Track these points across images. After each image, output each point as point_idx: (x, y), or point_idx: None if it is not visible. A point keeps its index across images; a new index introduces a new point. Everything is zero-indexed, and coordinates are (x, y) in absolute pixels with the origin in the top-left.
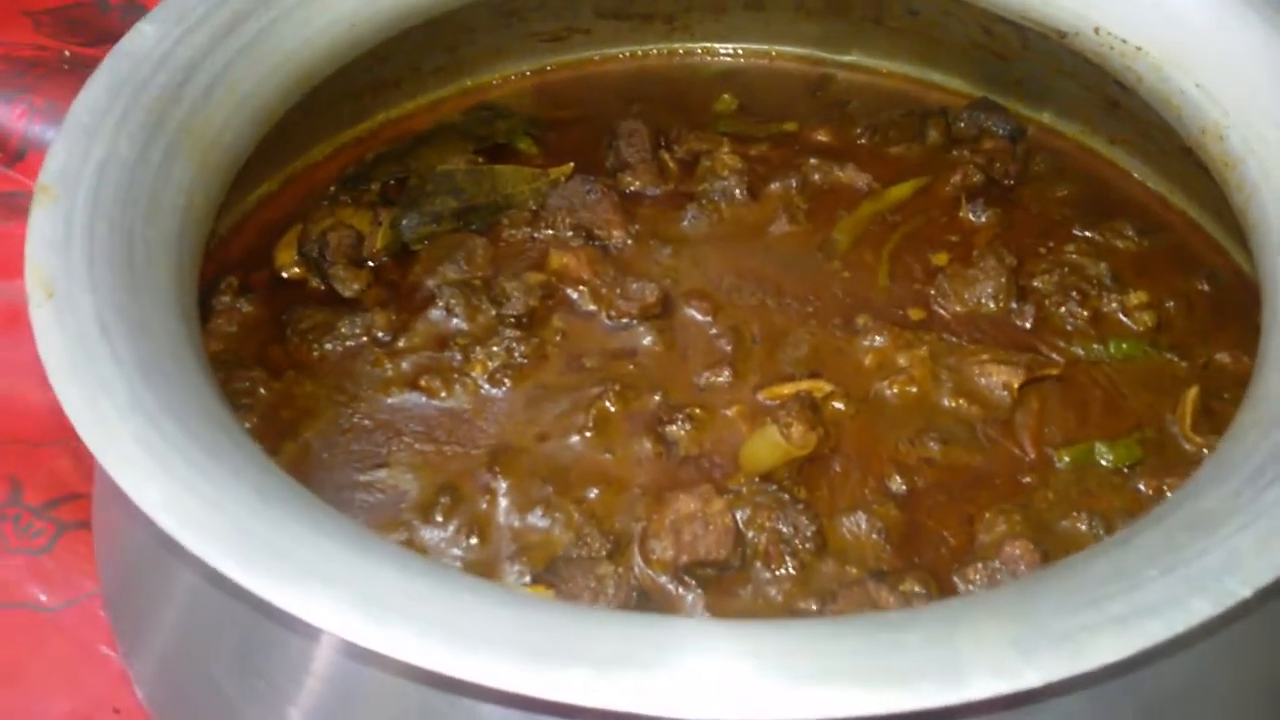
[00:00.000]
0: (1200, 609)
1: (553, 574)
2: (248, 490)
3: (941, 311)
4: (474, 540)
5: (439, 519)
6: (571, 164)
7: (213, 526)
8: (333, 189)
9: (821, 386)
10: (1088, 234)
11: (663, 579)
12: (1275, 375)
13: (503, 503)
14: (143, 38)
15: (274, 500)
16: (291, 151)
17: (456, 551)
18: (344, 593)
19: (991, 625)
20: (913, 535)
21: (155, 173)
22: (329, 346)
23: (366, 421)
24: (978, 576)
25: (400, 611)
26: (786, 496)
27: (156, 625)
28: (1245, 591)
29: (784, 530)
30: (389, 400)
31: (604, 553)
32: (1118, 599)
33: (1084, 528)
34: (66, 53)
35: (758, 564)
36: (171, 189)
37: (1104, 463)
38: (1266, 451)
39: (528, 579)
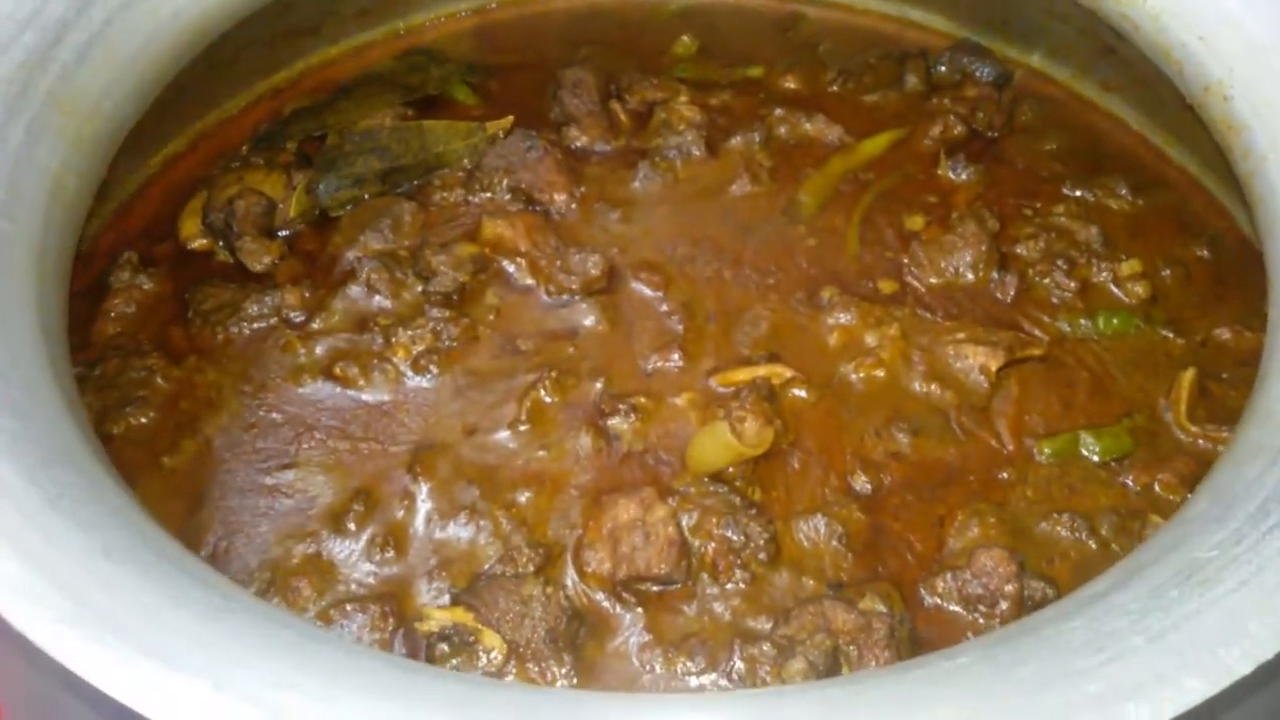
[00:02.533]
0: (1193, 689)
1: (473, 595)
2: (91, 551)
3: (915, 283)
4: (389, 553)
5: (351, 528)
6: (511, 117)
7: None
8: (244, 149)
9: (780, 372)
10: (1078, 193)
11: (598, 595)
12: None
13: (423, 509)
14: None
15: (122, 559)
16: (200, 106)
17: (368, 566)
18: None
19: (950, 709)
20: (876, 541)
21: (14, 156)
22: (234, 329)
23: (275, 415)
24: (946, 589)
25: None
26: (738, 499)
27: None
28: (1245, 668)
29: (734, 539)
30: (300, 390)
31: (532, 568)
32: (1095, 674)
33: (1065, 532)
34: None
35: (704, 577)
36: (35, 173)
37: (1090, 455)
38: (1272, 485)
39: (445, 599)
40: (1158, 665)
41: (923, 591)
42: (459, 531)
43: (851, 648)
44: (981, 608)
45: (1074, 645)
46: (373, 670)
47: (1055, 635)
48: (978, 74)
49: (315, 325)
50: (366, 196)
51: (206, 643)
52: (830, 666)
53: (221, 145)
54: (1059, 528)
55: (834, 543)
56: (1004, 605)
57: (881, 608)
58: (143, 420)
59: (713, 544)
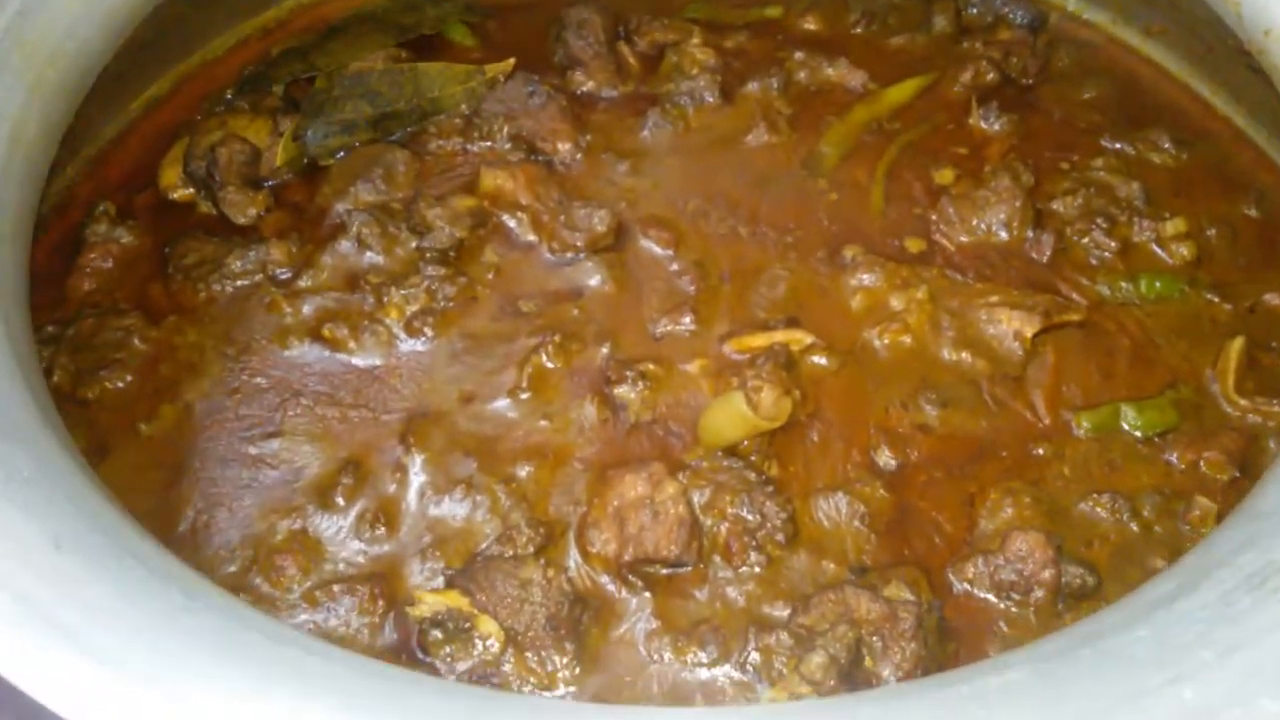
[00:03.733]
0: (1271, 714)
1: (469, 578)
2: (39, 540)
3: (944, 242)
4: (380, 530)
5: (339, 502)
6: (512, 60)
7: None
8: (229, 93)
9: (799, 338)
10: (1117, 146)
11: (603, 578)
12: None
13: (416, 482)
14: None
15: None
16: (183, 47)
17: (357, 544)
18: None
19: None
20: (902, 521)
21: None
22: (217, 286)
23: (259, 379)
24: (978, 574)
25: None
26: (753, 475)
27: None
28: None
29: (749, 518)
30: (286, 353)
31: (532, 548)
32: (1162, 693)
33: (1105, 513)
34: None
35: (717, 559)
36: None
37: (1131, 430)
38: None
39: (439, 581)
40: (1231, 685)
41: (952, 576)
42: (454, 507)
43: (875, 639)
44: (1015, 595)
45: (1138, 659)
46: (346, 679)
47: (1118, 648)
48: (1011, 16)
49: (302, 283)
50: (357, 144)
51: (161, 647)
52: (853, 660)
53: (206, 88)
54: (1099, 508)
55: (856, 523)
56: (1039, 593)
57: (908, 595)
58: (119, 384)
59: (726, 524)
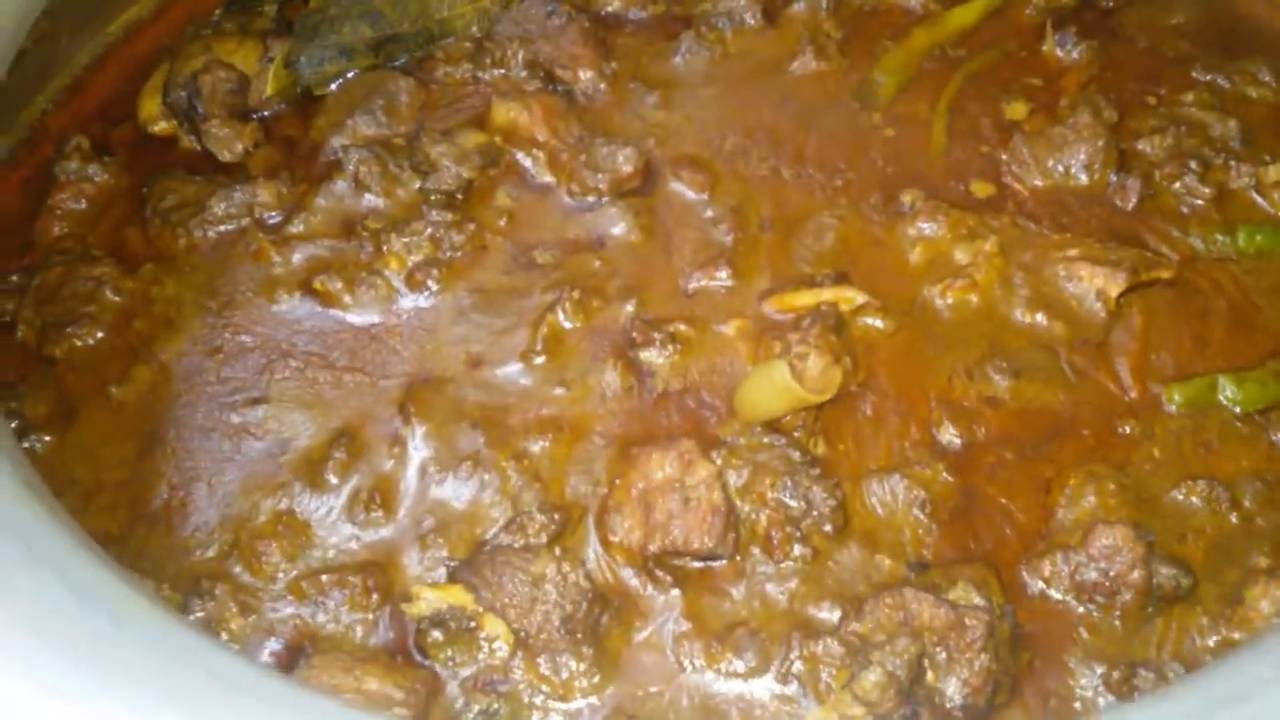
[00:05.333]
0: None
1: (474, 571)
2: None
3: (1016, 186)
4: (375, 512)
5: (331, 480)
6: None
7: None
8: (217, 14)
9: (850, 297)
10: (1210, 78)
11: (626, 572)
12: None
13: (416, 457)
14: None
15: None
16: None
17: (350, 528)
18: None
19: None
20: (968, 509)
21: None
22: (199, 232)
23: (244, 338)
24: (1055, 574)
25: None
26: (797, 455)
27: None
28: None
29: (792, 505)
30: (274, 308)
31: (545, 537)
32: None
33: (1199, 502)
34: None
35: (756, 551)
36: None
37: (1230, 405)
38: None
39: (441, 573)
40: None
41: (1025, 575)
42: (459, 488)
43: (939, 650)
44: (1099, 598)
45: None
46: None
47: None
48: None
49: (293, 228)
50: (356, 71)
51: (67, 692)
52: (914, 677)
53: (193, 9)
54: (1193, 497)
55: (915, 511)
56: (1126, 595)
57: (976, 599)
58: (90, 341)
59: (766, 511)
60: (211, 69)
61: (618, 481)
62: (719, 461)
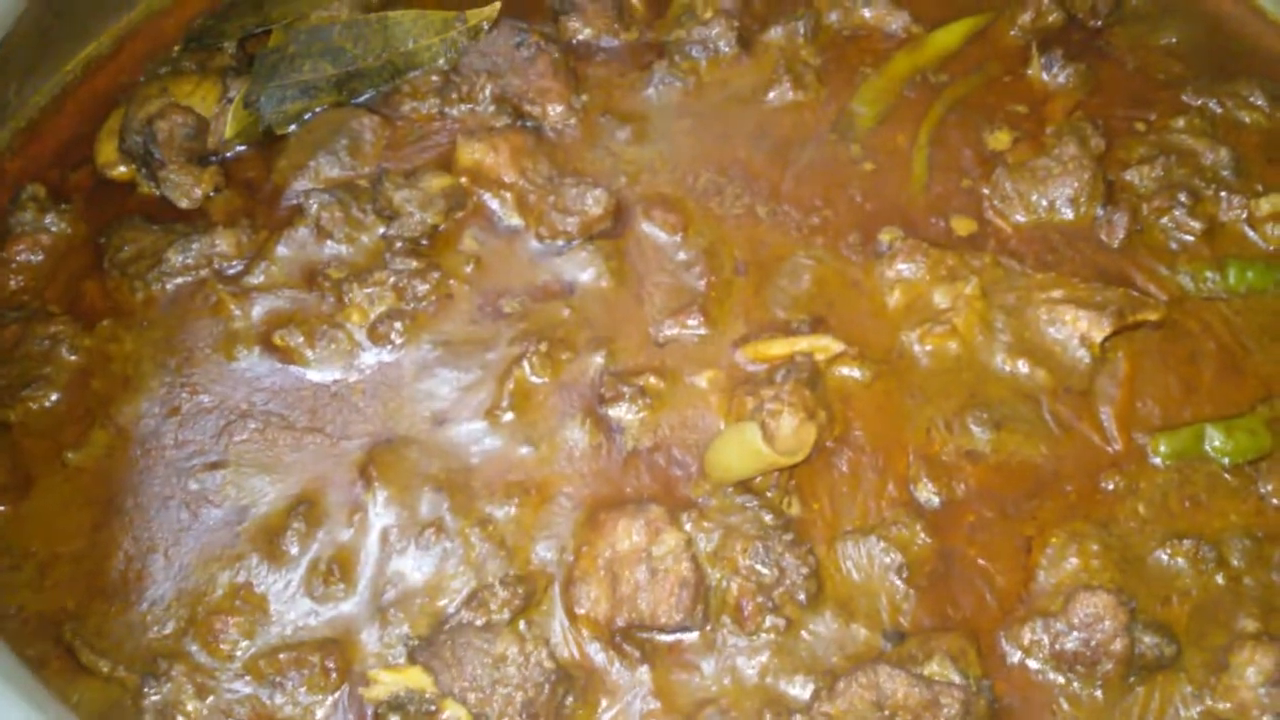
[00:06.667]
0: None
1: (434, 652)
2: None
3: (998, 222)
4: (335, 585)
5: (290, 550)
6: (498, 3)
7: None
8: (176, 50)
9: (826, 346)
10: (1201, 102)
11: (592, 647)
12: None
13: (377, 524)
14: None
15: None
16: None
17: (308, 603)
18: None
19: None
20: (946, 573)
21: None
22: (156, 286)
23: (203, 397)
24: (1035, 642)
25: None
26: (769, 517)
27: None
28: None
29: (764, 573)
30: (233, 365)
31: (509, 613)
32: None
33: (1185, 563)
34: None
35: (727, 620)
36: None
37: (1217, 455)
38: None
39: (400, 652)
40: None
41: (1005, 644)
42: (421, 558)
43: None
44: (1080, 667)
45: None
46: None
47: None
48: None
49: (253, 279)
50: (320, 109)
51: None
52: None
53: (152, 45)
54: (1178, 557)
55: (891, 576)
56: (1108, 665)
57: (954, 675)
58: (46, 404)
59: (738, 579)
60: (168, 113)
61: (584, 549)
62: (689, 525)
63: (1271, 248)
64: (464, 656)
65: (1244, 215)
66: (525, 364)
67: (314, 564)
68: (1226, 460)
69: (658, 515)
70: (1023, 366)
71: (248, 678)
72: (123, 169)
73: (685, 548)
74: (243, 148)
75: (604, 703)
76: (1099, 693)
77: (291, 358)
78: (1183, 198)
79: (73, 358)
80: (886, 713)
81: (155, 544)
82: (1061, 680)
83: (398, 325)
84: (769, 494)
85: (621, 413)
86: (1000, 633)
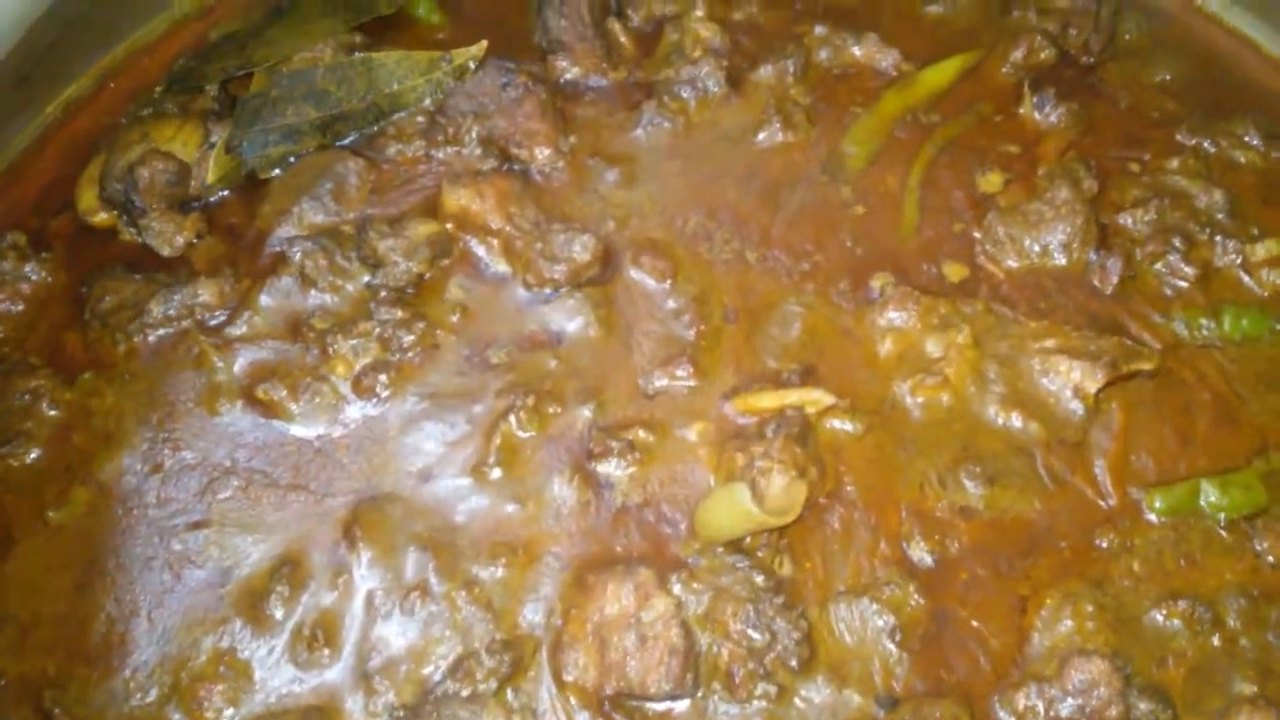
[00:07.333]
0: None
1: None
2: None
3: (990, 267)
4: (319, 651)
5: (274, 613)
6: (484, 43)
7: None
8: (158, 90)
9: (817, 400)
10: (1196, 141)
11: (581, 716)
12: None
13: (362, 587)
14: None
15: None
16: (107, 31)
17: (292, 670)
18: None
19: None
20: (939, 635)
21: None
22: (138, 338)
23: (185, 453)
24: (1030, 708)
25: None
26: (760, 578)
27: None
28: None
29: (756, 638)
30: (216, 420)
31: (495, 682)
32: None
33: (1180, 624)
34: None
35: (717, 687)
36: None
37: (1212, 512)
38: None
39: None
40: None
41: (999, 709)
42: (406, 622)
43: None
44: None
45: None
46: None
47: None
48: None
49: (236, 330)
50: (304, 152)
51: None
52: None
53: (135, 83)
54: (1173, 619)
55: (885, 640)
56: None
57: None
58: (27, 460)
59: (729, 645)
60: (149, 160)
61: (572, 612)
62: (678, 587)
63: (1266, 294)
64: None
65: (1239, 260)
66: (512, 418)
67: (298, 629)
68: (1222, 516)
69: (646, 579)
70: (1016, 419)
71: None
72: (104, 215)
73: (674, 613)
74: (225, 192)
75: None
76: None
77: (275, 412)
78: (1177, 242)
79: (54, 413)
80: None
81: (138, 607)
82: None
83: (382, 377)
84: (760, 553)
85: (610, 468)
86: (994, 698)
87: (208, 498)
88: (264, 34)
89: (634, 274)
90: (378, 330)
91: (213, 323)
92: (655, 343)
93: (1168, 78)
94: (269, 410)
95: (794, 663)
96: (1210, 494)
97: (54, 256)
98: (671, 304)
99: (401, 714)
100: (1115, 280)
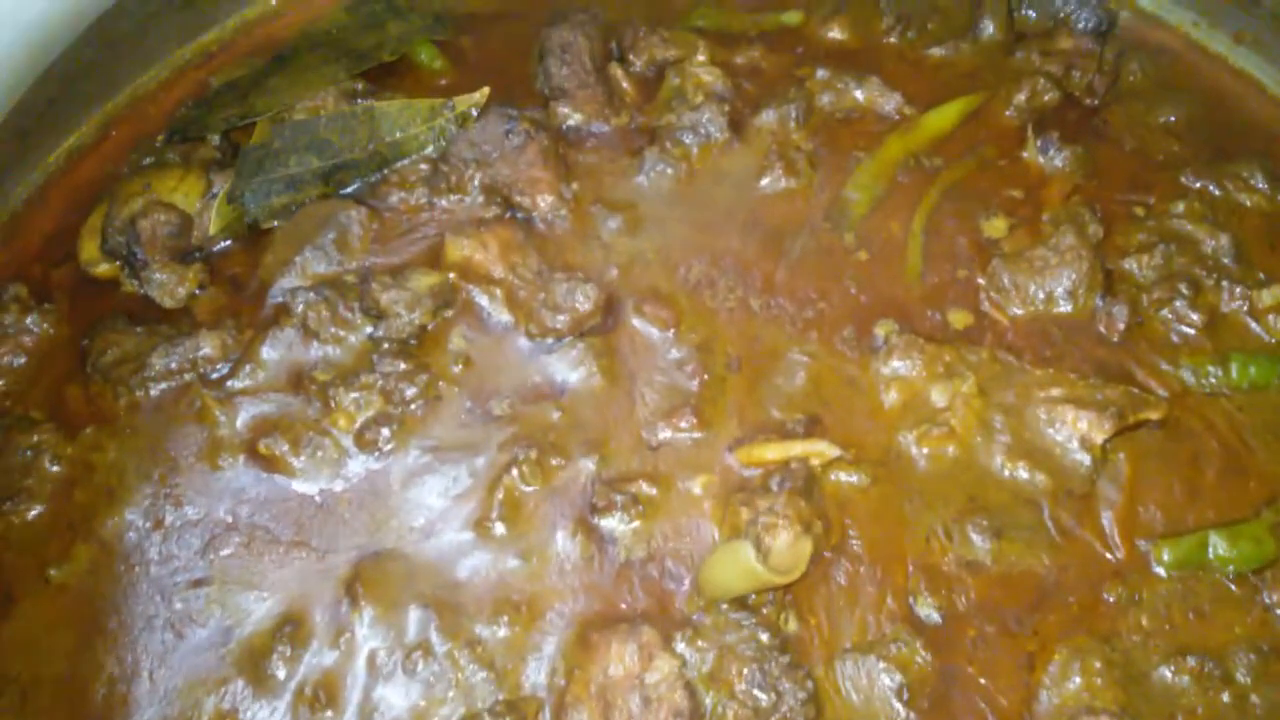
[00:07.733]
0: None
1: None
2: None
3: (995, 315)
4: (322, 712)
5: (276, 673)
6: (486, 89)
7: None
8: (160, 139)
9: (822, 452)
10: (1201, 184)
11: None
12: None
13: (365, 647)
14: None
15: None
16: (110, 81)
17: None
18: None
19: None
20: (947, 694)
21: None
22: (140, 392)
23: (187, 509)
24: None
25: None
26: (766, 636)
27: None
28: None
29: (761, 698)
30: (218, 475)
31: None
32: None
33: (1189, 680)
34: None
35: None
36: None
37: (1221, 564)
38: None
39: None
40: None
41: None
42: (408, 683)
43: None
44: None
45: None
46: None
47: None
48: (1073, 18)
49: (238, 383)
50: (306, 201)
51: None
52: None
53: (137, 130)
54: (1182, 675)
55: (892, 700)
56: None
57: None
58: (28, 517)
59: (734, 706)
60: (150, 211)
61: (576, 672)
62: (682, 645)
63: (1274, 340)
64: None
65: (1245, 306)
66: (515, 471)
67: (300, 689)
68: (1231, 569)
69: (650, 638)
70: (1022, 470)
71: None
72: (105, 266)
73: (679, 674)
74: (228, 242)
75: None
76: None
77: (277, 466)
78: (1183, 288)
79: (55, 468)
80: None
81: (139, 667)
82: None
83: (385, 431)
84: (765, 610)
85: (614, 523)
86: None
87: (209, 555)
88: (266, 82)
89: (637, 323)
90: (380, 383)
91: (214, 376)
92: (658, 393)
93: (1172, 119)
94: (271, 465)
95: None
96: (1219, 546)
97: (56, 308)
98: (675, 353)
99: None
100: (1121, 327)
